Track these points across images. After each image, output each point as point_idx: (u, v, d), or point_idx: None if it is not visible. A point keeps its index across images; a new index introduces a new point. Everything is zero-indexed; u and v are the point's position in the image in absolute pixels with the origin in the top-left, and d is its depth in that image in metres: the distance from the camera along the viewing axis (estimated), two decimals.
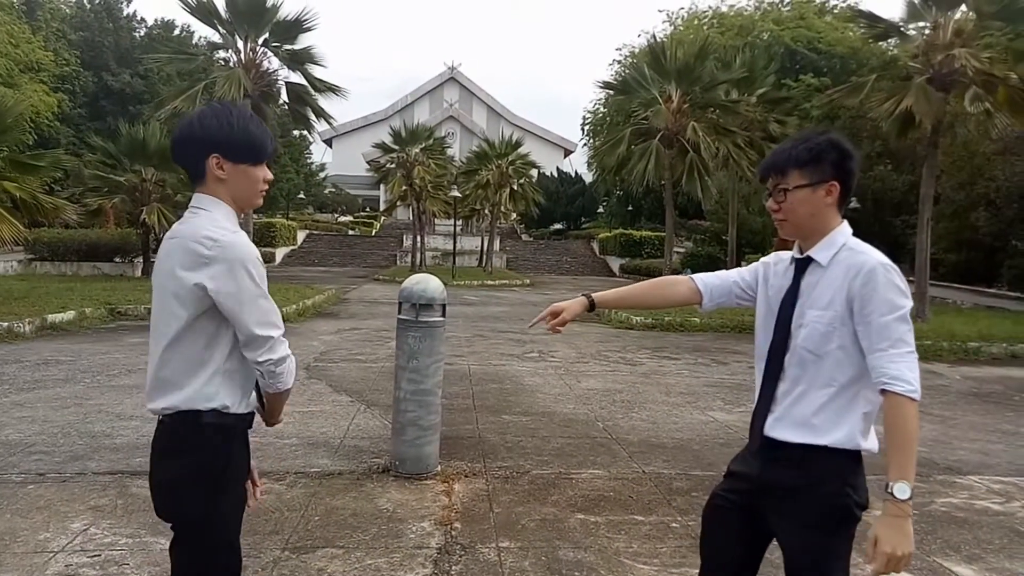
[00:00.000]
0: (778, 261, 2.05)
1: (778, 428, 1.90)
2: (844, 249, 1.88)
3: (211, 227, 1.75)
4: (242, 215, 1.93)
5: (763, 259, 2.14)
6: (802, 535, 1.84)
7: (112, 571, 3.13)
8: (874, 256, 1.83)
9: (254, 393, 1.90)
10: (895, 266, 1.83)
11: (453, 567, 3.28)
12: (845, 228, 1.92)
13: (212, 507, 1.78)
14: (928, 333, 11.50)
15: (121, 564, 3.19)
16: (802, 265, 1.93)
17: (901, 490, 1.70)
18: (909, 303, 1.81)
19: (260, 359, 1.76)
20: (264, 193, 1.91)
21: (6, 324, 9.80)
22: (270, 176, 1.92)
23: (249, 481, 1.95)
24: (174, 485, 1.80)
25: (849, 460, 1.84)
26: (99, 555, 3.28)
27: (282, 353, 1.79)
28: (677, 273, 25.58)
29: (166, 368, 1.78)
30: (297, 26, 16.47)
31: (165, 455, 1.81)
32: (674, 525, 3.87)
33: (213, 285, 1.70)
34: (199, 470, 1.77)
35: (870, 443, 1.85)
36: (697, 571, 2.10)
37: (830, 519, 1.82)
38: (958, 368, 9.91)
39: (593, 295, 2.18)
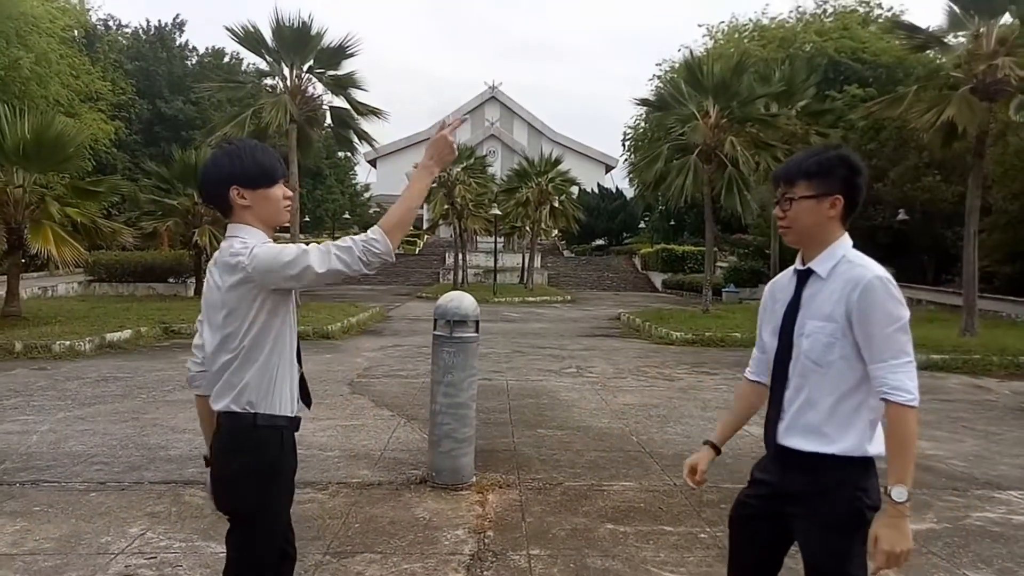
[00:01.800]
0: (781, 277, 2.17)
1: (790, 436, 2.00)
2: (843, 262, 1.96)
3: (238, 244, 1.98)
4: (273, 232, 2.14)
5: (768, 285, 2.26)
6: (820, 539, 1.94)
7: (167, 572, 3.35)
8: (872, 269, 1.92)
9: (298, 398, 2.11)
10: (891, 278, 1.92)
11: (485, 572, 3.42)
12: (845, 240, 2.01)
13: (265, 499, 1.99)
14: (977, 347, 11.27)
15: (175, 566, 3.42)
16: (803, 276, 2.03)
17: (899, 493, 1.81)
18: (907, 313, 1.91)
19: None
20: (288, 208, 2.12)
21: (68, 343, 10.32)
22: (289, 192, 2.12)
23: None
24: (233, 479, 2.02)
25: (859, 466, 1.94)
26: (155, 557, 3.51)
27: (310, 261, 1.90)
28: (719, 287, 25.32)
29: (223, 372, 2.00)
30: (340, 53, 17.03)
31: (225, 453, 2.03)
32: (702, 536, 3.94)
33: (250, 276, 1.93)
34: (254, 465, 1.98)
35: (877, 448, 1.94)
36: None
37: (846, 523, 1.92)
38: (1008, 383, 9.68)
39: (711, 439, 2.30)
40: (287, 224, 2.27)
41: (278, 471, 2.01)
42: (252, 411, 1.97)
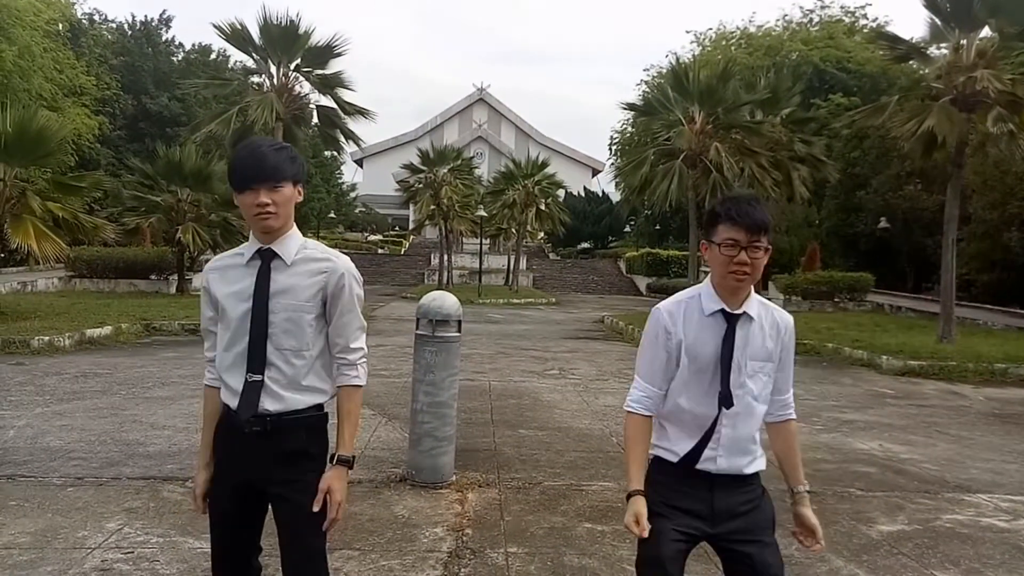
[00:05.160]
0: (679, 311, 2.08)
1: (731, 461, 2.21)
2: (759, 304, 2.10)
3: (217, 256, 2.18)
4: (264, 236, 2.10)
5: (659, 322, 2.11)
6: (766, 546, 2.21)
7: (144, 567, 3.35)
8: (783, 310, 2.16)
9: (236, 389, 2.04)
10: None
11: (462, 570, 3.45)
12: None
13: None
14: (953, 354, 11.42)
15: (152, 560, 3.42)
16: (733, 319, 2.03)
17: (803, 487, 2.20)
18: None
19: None
20: (261, 218, 1.96)
21: (47, 338, 10.22)
22: (259, 200, 1.94)
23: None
24: None
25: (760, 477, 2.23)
26: (132, 552, 3.51)
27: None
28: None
29: None
30: (328, 52, 16.96)
31: None
32: None
33: None
34: None
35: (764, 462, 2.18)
36: None
37: (772, 524, 2.19)
38: (982, 389, 9.83)
39: (631, 488, 2.07)
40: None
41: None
42: None
